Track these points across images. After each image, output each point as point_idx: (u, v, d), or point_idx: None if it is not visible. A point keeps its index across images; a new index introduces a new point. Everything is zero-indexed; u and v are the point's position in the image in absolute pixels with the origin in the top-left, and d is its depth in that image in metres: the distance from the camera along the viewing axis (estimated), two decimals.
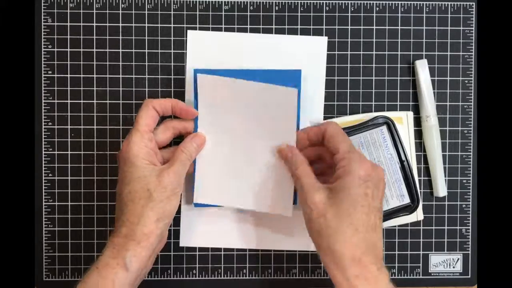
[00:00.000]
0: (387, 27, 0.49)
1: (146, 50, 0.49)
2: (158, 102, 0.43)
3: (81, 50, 0.49)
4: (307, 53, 0.49)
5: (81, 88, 0.49)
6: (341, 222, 0.37)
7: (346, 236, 0.37)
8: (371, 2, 0.49)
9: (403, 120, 0.48)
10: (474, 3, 0.49)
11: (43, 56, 0.49)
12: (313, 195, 0.39)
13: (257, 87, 0.43)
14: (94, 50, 0.49)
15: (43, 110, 0.49)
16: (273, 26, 0.49)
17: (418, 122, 0.49)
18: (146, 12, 0.49)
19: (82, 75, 0.49)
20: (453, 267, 0.50)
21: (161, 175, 0.41)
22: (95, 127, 0.49)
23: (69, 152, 0.49)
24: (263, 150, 0.45)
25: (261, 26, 0.49)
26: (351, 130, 0.46)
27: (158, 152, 0.44)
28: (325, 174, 0.44)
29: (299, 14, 0.49)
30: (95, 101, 0.49)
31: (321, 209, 0.38)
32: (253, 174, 0.45)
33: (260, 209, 0.46)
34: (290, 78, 0.46)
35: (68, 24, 0.49)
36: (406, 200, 0.47)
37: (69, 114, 0.49)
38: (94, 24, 0.49)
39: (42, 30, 0.49)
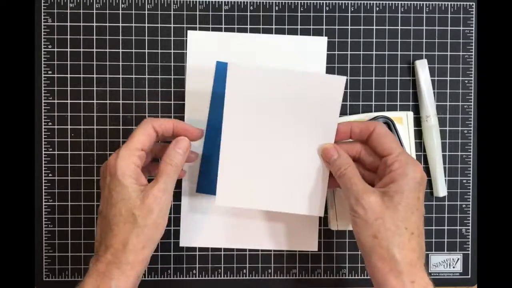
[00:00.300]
0: (387, 27, 0.49)
1: (146, 50, 0.49)
2: (158, 122, 0.41)
3: (81, 50, 0.49)
4: (307, 53, 0.49)
5: (81, 88, 0.49)
6: (399, 225, 0.36)
7: (404, 240, 0.36)
8: (371, 2, 0.49)
9: (403, 120, 0.48)
10: (474, 3, 0.49)
11: (43, 56, 0.49)
12: (368, 196, 0.37)
13: (297, 77, 0.40)
14: (94, 50, 0.49)
15: (43, 110, 0.49)
16: (273, 26, 0.49)
17: (418, 122, 0.49)
18: (146, 12, 0.49)
19: (82, 75, 0.49)
20: (453, 267, 0.50)
21: (146, 196, 0.38)
22: (95, 127, 0.49)
23: (69, 152, 0.49)
24: (296, 146, 0.42)
25: (261, 26, 0.49)
26: None
27: (152, 169, 0.43)
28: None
29: (299, 14, 0.49)
30: (95, 101, 0.49)
31: (378, 212, 0.37)
32: (282, 173, 0.42)
33: (289, 210, 0.43)
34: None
35: (68, 24, 0.49)
36: None
37: (69, 114, 0.49)
38: (94, 24, 0.49)
39: (42, 30, 0.49)
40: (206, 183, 0.48)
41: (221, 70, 0.48)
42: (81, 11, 0.49)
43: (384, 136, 0.40)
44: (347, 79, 0.49)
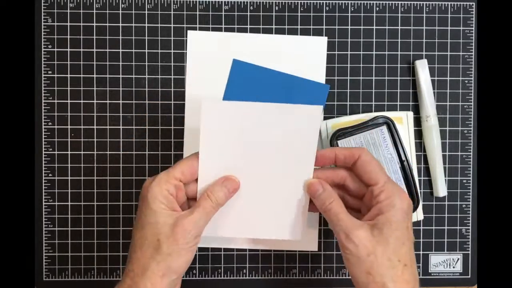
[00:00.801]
0: (387, 27, 0.49)
1: (146, 50, 0.49)
2: None
3: (81, 50, 0.49)
4: (307, 53, 0.49)
5: (81, 88, 0.49)
6: (392, 259, 0.36)
7: (397, 272, 0.36)
8: (371, 2, 0.49)
9: (403, 120, 0.48)
10: (474, 3, 0.49)
11: (43, 56, 0.49)
12: (357, 232, 0.36)
13: (273, 109, 0.39)
14: (94, 50, 0.49)
15: (43, 110, 0.49)
16: (273, 26, 0.49)
17: (418, 122, 0.49)
18: (146, 12, 0.49)
19: (82, 75, 0.49)
20: (453, 267, 0.50)
21: (176, 224, 0.36)
22: (95, 127, 0.49)
23: (69, 152, 0.49)
24: (275, 175, 0.41)
25: (261, 26, 0.49)
26: (351, 130, 0.46)
27: (185, 203, 0.40)
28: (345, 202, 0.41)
29: (299, 14, 0.49)
30: (95, 101, 0.49)
31: (370, 247, 0.36)
32: (262, 201, 0.42)
33: (271, 236, 0.43)
34: (315, 91, 0.46)
35: (68, 24, 0.49)
36: None
37: (69, 114, 0.49)
38: (94, 24, 0.49)
39: (42, 30, 0.49)
40: None
41: (237, 68, 0.48)
42: (81, 11, 0.49)
43: (369, 164, 0.39)
44: (347, 79, 0.49)
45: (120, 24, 0.49)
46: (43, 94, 0.49)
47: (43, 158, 0.49)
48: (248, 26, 0.49)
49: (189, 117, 0.49)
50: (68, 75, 0.49)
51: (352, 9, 0.49)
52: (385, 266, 0.36)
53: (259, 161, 0.40)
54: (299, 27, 0.49)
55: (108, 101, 0.49)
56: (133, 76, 0.49)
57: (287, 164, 0.40)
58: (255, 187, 0.41)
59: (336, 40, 0.49)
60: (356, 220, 0.37)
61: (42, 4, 0.49)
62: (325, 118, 0.49)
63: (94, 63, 0.49)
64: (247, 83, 0.48)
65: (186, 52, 0.49)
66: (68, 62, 0.49)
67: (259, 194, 0.41)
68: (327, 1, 0.49)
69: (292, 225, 0.42)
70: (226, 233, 0.42)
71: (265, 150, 0.40)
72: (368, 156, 0.39)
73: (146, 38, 0.49)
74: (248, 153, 0.40)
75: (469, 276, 0.50)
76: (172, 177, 0.38)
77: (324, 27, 0.49)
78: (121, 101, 0.49)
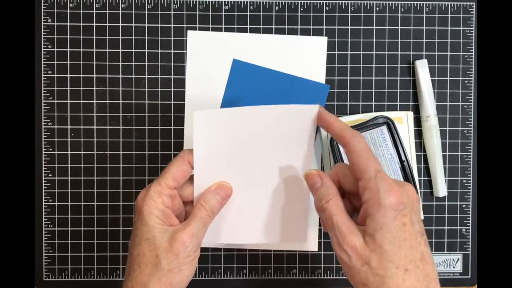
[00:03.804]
0: (387, 27, 0.49)
1: (146, 50, 0.49)
2: None
3: (81, 50, 0.49)
4: (307, 53, 0.49)
5: (81, 88, 0.49)
6: (388, 267, 0.32)
7: (398, 281, 0.32)
8: (371, 2, 0.49)
9: (403, 120, 0.48)
10: (474, 3, 0.49)
11: (43, 56, 0.49)
12: (351, 240, 0.33)
13: (267, 111, 0.38)
14: (94, 50, 0.49)
15: (43, 110, 0.49)
16: (273, 26, 0.49)
17: (418, 122, 0.49)
18: (146, 12, 0.49)
19: (82, 75, 0.49)
20: (453, 267, 0.50)
21: (174, 238, 0.35)
22: (95, 127, 0.49)
23: (69, 152, 0.49)
24: (275, 178, 0.40)
25: (261, 26, 0.49)
26: None
27: (182, 209, 0.39)
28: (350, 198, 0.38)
29: (299, 14, 0.49)
30: (95, 101, 0.49)
31: (363, 256, 0.32)
32: (262, 205, 0.41)
33: (273, 241, 0.42)
34: (315, 91, 0.47)
35: (68, 24, 0.49)
36: None
37: (69, 114, 0.49)
38: (94, 24, 0.49)
39: (42, 30, 0.49)
40: None
41: (237, 68, 0.48)
42: (81, 11, 0.49)
43: (357, 155, 0.34)
44: (347, 79, 0.49)
45: (120, 24, 0.49)
46: (43, 94, 0.49)
47: (43, 158, 0.49)
48: (248, 26, 0.49)
49: (189, 117, 0.49)
50: (68, 75, 0.49)
51: (352, 9, 0.49)
52: (381, 276, 0.32)
53: (257, 165, 0.40)
54: (299, 27, 0.49)
55: (108, 101, 0.49)
56: (133, 76, 0.49)
57: (286, 166, 0.40)
58: (254, 191, 0.40)
59: (336, 40, 0.49)
60: (352, 225, 0.34)
61: (42, 4, 0.49)
62: None
63: (94, 63, 0.49)
64: (247, 83, 0.48)
65: (186, 52, 0.49)
66: (68, 62, 0.49)
67: (259, 198, 0.41)
68: (327, 1, 0.49)
69: (295, 228, 0.41)
70: (227, 240, 0.42)
71: (263, 153, 0.39)
72: (357, 145, 0.34)
73: (146, 38, 0.49)
74: (245, 158, 0.39)
75: (469, 276, 0.50)
76: (165, 187, 0.36)
77: (324, 27, 0.49)
78: (121, 101, 0.49)
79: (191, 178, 0.39)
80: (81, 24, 0.49)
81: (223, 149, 0.39)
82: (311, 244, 0.50)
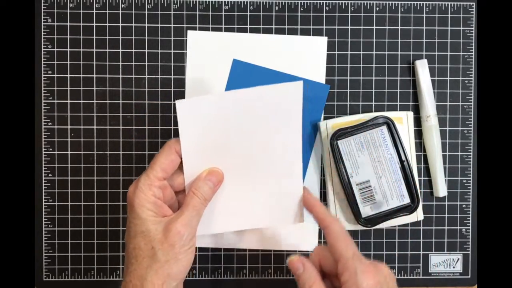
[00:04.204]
0: (387, 27, 0.49)
1: (146, 50, 0.49)
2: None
3: (81, 50, 0.49)
4: (307, 53, 0.49)
5: (81, 88, 0.49)
6: None
7: None
8: (371, 2, 0.49)
9: (403, 120, 0.48)
10: (474, 3, 0.49)
11: (43, 56, 0.49)
12: None
13: (251, 93, 0.38)
14: (94, 50, 0.49)
15: (43, 110, 0.49)
16: (273, 26, 0.49)
17: (418, 122, 0.49)
18: (146, 12, 0.49)
19: (82, 75, 0.49)
20: (453, 267, 0.50)
21: (168, 229, 0.35)
22: (95, 127, 0.49)
23: (69, 152, 0.49)
24: (265, 161, 0.40)
25: (261, 26, 0.49)
26: (351, 130, 0.46)
27: (174, 199, 0.39)
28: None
29: (299, 14, 0.49)
30: (95, 101, 0.49)
31: None
32: (255, 190, 0.41)
33: (269, 224, 0.42)
34: (315, 91, 0.47)
35: (68, 24, 0.49)
36: (406, 200, 0.47)
37: (69, 114, 0.49)
38: (94, 24, 0.49)
39: (42, 30, 0.49)
40: None
41: (237, 68, 0.48)
42: (81, 11, 0.49)
43: (335, 237, 0.36)
44: (347, 79, 0.49)
45: (120, 24, 0.49)
46: (43, 94, 0.49)
47: (43, 158, 0.49)
48: (248, 26, 0.49)
49: None
50: (68, 75, 0.49)
51: (352, 9, 0.49)
52: None
53: (245, 149, 0.39)
54: (299, 27, 0.49)
55: (108, 101, 0.49)
56: (133, 76, 0.49)
57: (274, 147, 0.40)
58: (245, 176, 0.40)
59: (336, 40, 0.49)
60: None
61: (42, 4, 0.49)
62: (325, 118, 0.49)
63: (94, 63, 0.49)
64: (247, 83, 0.48)
65: (186, 52, 0.49)
66: (68, 62, 0.49)
67: (251, 183, 0.40)
68: (327, 1, 0.49)
69: (291, 210, 0.41)
70: (222, 228, 0.42)
71: (250, 136, 0.39)
72: (336, 229, 0.36)
73: (146, 38, 0.49)
74: (234, 142, 0.39)
75: (469, 276, 0.50)
76: (155, 179, 0.36)
77: (324, 27, 0.49)
78: (121, 101, 0.49)
79: (181, 168, 0.39)
80: (81, 24, 0.49)
81: (210, 135, 0.39)
82: (311, 244, 0.50)
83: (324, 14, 0.49)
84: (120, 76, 0.49)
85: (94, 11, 0.49)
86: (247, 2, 0.49)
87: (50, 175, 0.49)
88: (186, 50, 0.49)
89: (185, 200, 0.37)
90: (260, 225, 0.42)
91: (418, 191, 0.47)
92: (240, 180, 0.40)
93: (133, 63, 0.49)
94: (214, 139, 0.39)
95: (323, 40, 0.49)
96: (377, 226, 0.47)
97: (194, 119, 0.38)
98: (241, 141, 0.39)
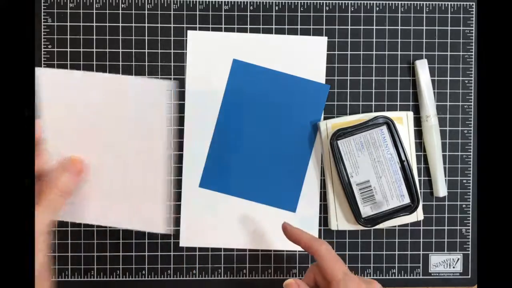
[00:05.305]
0: (387, 27, 0.49)
1: (146, 50, 0.49)
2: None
3: (81, 50, 0.49)
4: (307, 53, 0.49)
5: None
6: None
7: None
8: (371, 2, 0.49)
9: (403, 120, 0.48)
10: (474, 3, 0.49)
11: (43, 56, 0.49)
12: None
13: (123, 80, 0.37)
14: (94, 50, 0.49)
15: None
16: (273, 26, 0.49)
17: (418, 122, 0.49)
18: (146, 12, 0.49)
19: None
20: (453, 267, 0.50)
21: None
22: None
23: None
24: (134, 156, 0.39)
25: (261, 26, 0.49)
26: (351, 130, 0.46)
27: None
28: None
29: (299, 14, 0.49)
30: None
31: None
32: (124, 186, 0.40)
33: (135, 227, 0.42)
34: (315, 91, 0.47)
35: (68, 24, 0.49)
36: (406, 200, 0.47)
37: None
38: (94, 24, 0.49)
39: (42, 30, 0.49)
40: (209, 179, 0.49)
41: (237, 68, 0.48)
42: (81, 11, 0.49)
43: (325, 260, 0.37)
44: (347, 79, 0.49)
45: (120, 24, 0.49)
46: None
47: None
48: (248, 26, 0.49)
49: (189, 117, 0.49)
50: None
51: (352, 9, 0.49)
52: None
53: (116, 140, 0.38)
54: (299, 27, 0.49)
55: None
56: (133, 76, 0.49)
57: (145, 145, 0.38)
58: (117, 167, 0.38)
59: (336, 40, 0.49)
60: None
61: (42, 4, 0.49)
62: (325, 118, 0.49)
63: (94, 63, 0.49)
64: (247, 83, 0.48)
65: (186, 52, 0.49)
66: (68, 62, 0.49)
67: (121, 176, 0.39)
68: (327, 1, 0.49)
69: (154, 217, 0.39)
70: (94, 220, 0.40)
71: (120, 126, 0.37)
72: (324, 252, 0.38)
73: (146, 38, 0.49)
74: (102, 131, 0.37)
75: (469, 276, 0.50)
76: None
77: (324, 27, 0.49)
78: None
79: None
80: (81, 24, 0.49)
81: (76, 118, 0.36)
82: None
83: (324, 14, 0.49)
84: (120, 76, 0.49)
85: (94, 11, 0.49)
86: (247, 2, 0.49)
87: None
88: (186, 50, 0.49)
89: (43, 193, 0.36)
90: (126, 227, 0.41)
91: (418, 191, 0.47)
92: (112, 173, 0.38)
93: (133, 63, 0.49)
94: (80, 122, 0.37)
95: (323, 40, 0.49)
96: (377, 226, 0.47)
97: (58, 93, 0.36)
98: (110, 130, 0.37)
